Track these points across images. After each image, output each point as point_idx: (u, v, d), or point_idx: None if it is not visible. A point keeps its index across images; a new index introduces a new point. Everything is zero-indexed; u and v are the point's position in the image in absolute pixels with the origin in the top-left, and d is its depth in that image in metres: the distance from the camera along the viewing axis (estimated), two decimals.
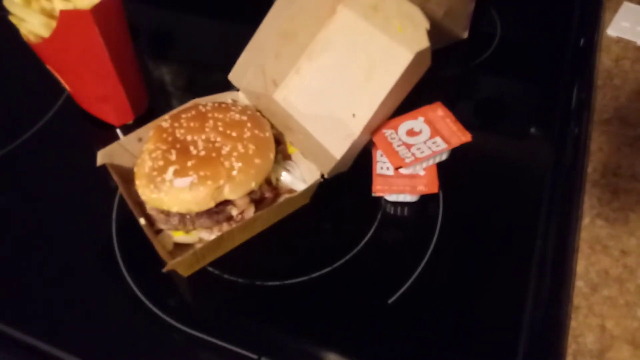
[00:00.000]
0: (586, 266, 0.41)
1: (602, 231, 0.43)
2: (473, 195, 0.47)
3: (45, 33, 0.46)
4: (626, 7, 0.60)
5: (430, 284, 0.42)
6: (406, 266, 0.43)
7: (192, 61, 0.62)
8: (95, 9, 0.44)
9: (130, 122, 0.54)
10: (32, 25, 0.47)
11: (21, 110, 0.55)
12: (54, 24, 0.45)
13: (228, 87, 0.51)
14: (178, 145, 0.43)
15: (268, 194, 0.44)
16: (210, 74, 0.60)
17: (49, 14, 0.48)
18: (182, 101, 0.57)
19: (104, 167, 0.45)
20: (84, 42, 0.46)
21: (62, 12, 0.44)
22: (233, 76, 0.51)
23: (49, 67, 0.51)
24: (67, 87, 0.52)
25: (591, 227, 0.44)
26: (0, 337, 0.41)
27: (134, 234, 0.42)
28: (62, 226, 0.47)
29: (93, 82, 0.50)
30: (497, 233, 0.45)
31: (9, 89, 0.58)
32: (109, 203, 0.48)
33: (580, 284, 0.41)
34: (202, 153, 0.42)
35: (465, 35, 0.60)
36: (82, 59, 0.48)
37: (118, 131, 0.54)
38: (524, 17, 0.64)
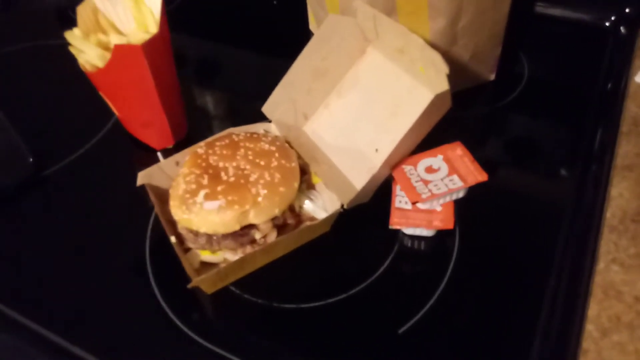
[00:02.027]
0: (598, 310, 0.42)
1: (616, 276, 0.44)
2: (489, 232, 0.49)
3: (100, 64, 0.51)
4: None
5: (441, 316, 0.43)
6: (419, 298, 0.44)
7: (231, 90, 0.67)
8: (146, 45, 0.49)
9: (170, 146, 0.58)
10: (89, 56, 0.52)
11: (74, 130, 0.61)
12: (108, 55, 0.50)
13: (262, 116, 0.54)
14: (210, 171, 0.46)
15: (290, 221, 0.47)
16: (247, 104, 0.64)
17: (104, 47, 0.53)
18: (219, 128, 0.61)
19: (143, 186, 0.49)
20: (133, 74, 0.51)
21: (116, 46, 0.48)
22: (266, 108, 0.55)
23: (101, 93, 0.56)
24: (116, 112, 0.57)
25: (606, 271, 0.44)
26: (36, 338, 0.44)
27: (166, 250, 0.46)
28: (101, 238, 0.51)
29: (139, 109, 0.54)
30: (510, 270, 0.46)
31: (65, 111, 0.63)
32: (145, 220, 0.51)
33: (590, 328, 0.41)
34: (232, 179, 0.45)
35: (492, 77, 0.62)
36: (130, 88, 0.52)
37: (159, 154, 0.58)
38: (552, 60, 0.65)
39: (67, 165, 0.57)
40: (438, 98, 0.44)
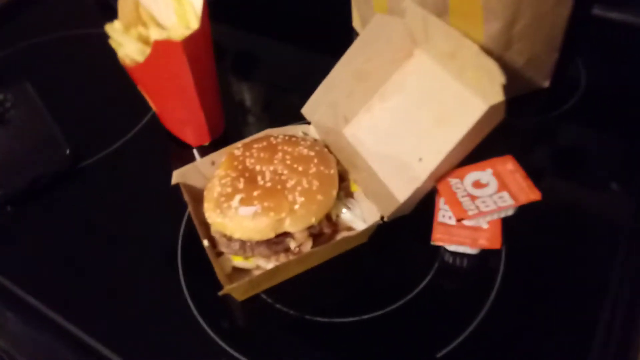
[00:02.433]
0: None
1: None
2: (539, 253, 0.46)
3: (140, 58, 0.50)
4: None
5: (484, 342, 0.40)
6: (460, 320, 0.42)
7: (269, 86, 0.65)
8: (186, 41, 0.47)
9: (206, 143, 0.57)
10: (129, 50, 0.51)
11: (111, 123, 0.60)
12: (148, 50, 0.49)
13: (301, 114, 0.52)
14: (247, 174, 0.45)
15: (327, 230, 0.45)
16: (286, 101, 0.62)
17: (144, 41, 0.52)
18: (256, 126, 0.60)
19: (178, 184, 0.48)
20: (172, 70, 0.49)
21: (155, 42, 0.47)
22: (306, 110, 0.53)
23: (139, 87, 0.55)
24: (154, 108, 0.56)
25: None
26: (61, 333, 0.44)
27: (198, 251, 0.44)
28: (132, 235, 0.50)
29: (177, 105, 0.53)
30: (561, 295, 0.43)
31: (103, 104, 0.63)
32: (178, 219, 0.50)
33: None
34: (268, 184, 0.44)
35: (547, 84, 0.58)
36: (169, 84, 0.51)
37: (195, 151, 0.57)
38: (611, 67, 0.61)
39: (102, 158, 0.57)
40: (492, 109, 0.41)
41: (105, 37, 0.51)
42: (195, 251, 0.45)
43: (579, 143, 0.55)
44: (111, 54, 0.52)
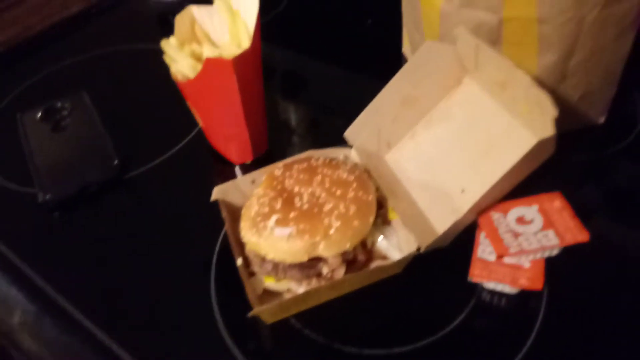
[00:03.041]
0: None
1: None
2: (583, 297, 0.43)
3: (191, 74, 0.51)
4: None
5: None
6: None
7: (315, 107, 0.65)
8: (237, 59, 0.48)
9: (249, 162, 0.57)
10: (182, 66, 0.52)
11: (159, 137, 0.62)
12: (199, 67, 0.51)
13: (343, 138, 0.52)
14: (285, 195, 0.45)
15: (361, 257, 0.44)
16: (330, 123, 0.62)
17: (197, 57, 0.54)
18: (299, 147, 0.60)
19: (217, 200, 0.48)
20: (222, 87, 0.50)
21: (207, 59, 0.48)
22: (349, 134, 0.52)
23: (188, 103, 0.56)
24: (200, 123, 0.57)
25: None
26: (90, 339, 0.44)
27: (231, 269, 0.44)
28: (170, 247, 0.51)
29: (223, 122, 0.54)
30: (606, 343, 0.40)
31: (152, 118, 0.65)
32: (215, 235, 0.51)
33: None
34: (305, 206, 0.43)
35: (602, 120, 0.56)
36: (217, 101, 0.52)
37: (236, 169, 0.58)
38: None
39: (149, 170, 0.58)
40: (541, 143, 0.39)
41: (160, 53, 0.53)
42: (229, 269, 0.45)
43: (634, 183, 0.52)
44: (165, 69, 0.53)
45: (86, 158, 0.58)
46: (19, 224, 0.54)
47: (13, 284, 0.49)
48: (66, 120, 0.63)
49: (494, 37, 0.49)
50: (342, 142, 0.53)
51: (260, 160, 0.57)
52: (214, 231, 0.51)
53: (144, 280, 0.48)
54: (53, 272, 0.49)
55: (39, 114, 0.64)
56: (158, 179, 0.57)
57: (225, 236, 0.50)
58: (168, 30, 0.54)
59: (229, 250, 0.46)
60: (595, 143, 0.55)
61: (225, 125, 0.55)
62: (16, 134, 0.62)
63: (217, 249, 0.50)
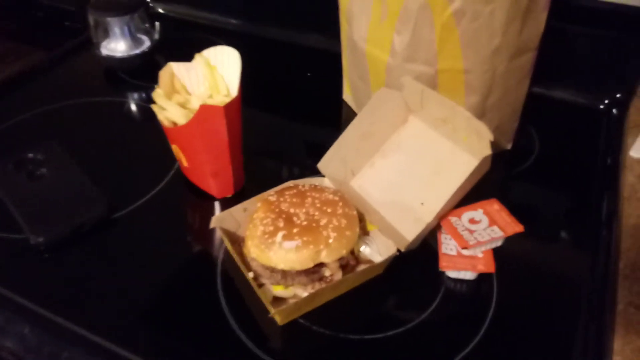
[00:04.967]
0: (622, 345, 0.49)
1: (634, 317, 0.51)
2: (522, 279, 0.56)
3: (182, 121, 0.58)
4: None
5: (484, 356, 0.49)
6: (467, 331, 0.50)
7: (286, 148, 0.73)
8: (227, 106, 0.57)
9: (229, 195, 0.64)
10: (171, 113, 0.59)
11: (139, 179, 0.67)
12: (190, 114, 0.58)
13: (315, 172, 0.62)
14: (284, 215, 0.53)
15: (352, 262, 0.53)
16: (302, 160, 0.70)
17: (182, 106, 0.61)
18: (273, 181, 0.68)
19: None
20: (211, 130, 0.58)
21: (202, 106, 0.56)
22: (321, 165, 0.62)
23: (173, 145, 0.62)
24: (184, 163, 0.64)
25: (624, 312, 0.51)
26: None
27: (236, 286, 0.51)
28: (169, 277, 0.56)
29: (209, 160, 0.61)
30: (544, 311, 0.53)
31: (128, 163, 0.69)
32: (212, 259, 0.57)
33: (617, 359, 0.48)
34: (304, 223, 0.52)
35: (509, 146, 0.72)
36: (205, 142, 0.59)
37: (216, 203, 0.64)
38: (558, 136, 0.75)
39: (135, 209, 0.63)
40: (482, 161, 0.52)
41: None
42: (234, 287, 0.52)
43: (537, 197, 0.65)
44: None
45: (74, 200, 0.61)
46: (12, 268, 0.56)
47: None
48: (41, 170, 0.65)
49: (431, 85, 0.62)
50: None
51: (238, 194, 0.65)
52: (210, 258, 0.57)
53: (157, 289, 0.53)
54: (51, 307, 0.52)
55: (9, 166, 0.65)
56: (145, 217, 0.62)
57: (224, 260, 0.56)
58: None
59: (228, 273, 0.53)
60: (507, 164, 0.70)
61: (211, 163, 0.61)
62: None
63: (218, 269, 0.56)
